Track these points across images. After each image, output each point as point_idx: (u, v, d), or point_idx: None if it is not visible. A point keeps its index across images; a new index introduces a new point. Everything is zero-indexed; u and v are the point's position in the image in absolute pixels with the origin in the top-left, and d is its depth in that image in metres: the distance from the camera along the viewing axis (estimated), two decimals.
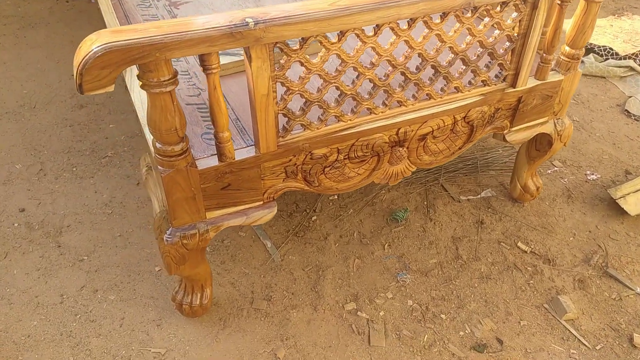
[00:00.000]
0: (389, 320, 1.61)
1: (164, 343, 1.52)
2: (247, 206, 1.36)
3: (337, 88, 1.28)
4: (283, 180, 1.38)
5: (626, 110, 2.58)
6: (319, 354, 1.51)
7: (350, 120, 1.35)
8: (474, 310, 1.65)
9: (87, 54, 0.94)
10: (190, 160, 1.20)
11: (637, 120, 2.52)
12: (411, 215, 1.94)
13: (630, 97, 2.66)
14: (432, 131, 1.50)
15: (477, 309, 1.65)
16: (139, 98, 1.46)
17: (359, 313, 1.62)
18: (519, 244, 1.87)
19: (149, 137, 1.26)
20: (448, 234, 1.89)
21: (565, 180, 2.15)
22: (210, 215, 1.33)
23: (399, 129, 1.43)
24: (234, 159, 1.25)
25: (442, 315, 1.63)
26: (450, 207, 1.99)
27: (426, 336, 1.57)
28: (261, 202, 1.37)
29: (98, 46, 0.94)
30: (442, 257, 1.81)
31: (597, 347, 1.57)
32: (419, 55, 1.33)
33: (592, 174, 2.19)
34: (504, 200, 2.03)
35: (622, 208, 1.98)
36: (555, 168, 2.20)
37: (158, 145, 1.16)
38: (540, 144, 1.81)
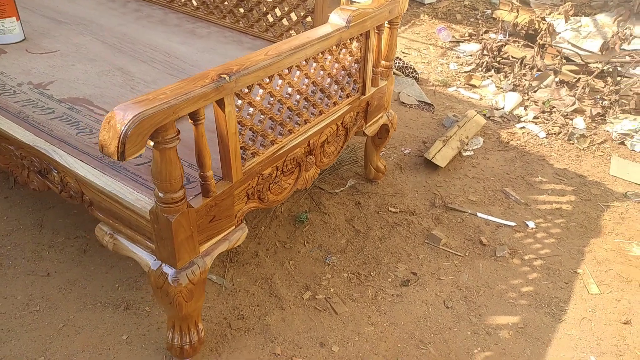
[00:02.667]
0: (340, 292, 2.00)
1: None
2: (226, 232, 1.59)
3: (271, 118, 1.64)
4: (246, 203, 1.65)
5: (402, 102, 3.49)
6: (306, 337, 1.80)
7: (281, 141, 1.71)
8: (388, 262, 2.16)
9: (125, 125, 1.11)
10: (186, 202, 1.40)
11: (412, 108, 3.45)
12: (310, 215, 2.36)
13: (399, 92, 3.60)
14: (327, 138, 1.96)
15: (389, 260, 2.17)
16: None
17: (316, 297, 1.97)
18: (390, 208, 2.47)
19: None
20: (342, 219, 2.37)
21: (392, 158, 2.86)
22: (202, 249, 1.52)
23: (309, 141, 1.85)
24: (216, 192, 1.49)
25: (372, 274, 2.10)
26: (332, 200, 2.48)
27: (369, 291, 2.01)
28: (234, 226, 1.62)
29: (133, 117, 1.12)
30: (347, 236, 2.28)
31: (466, 254, 2.25)
32: (313, 83, 1.78)
33: (406, 149, 2.96)
34: (365, 183, 2.62)
35: (435, 164, 2.78)
36: (382, 152, 2.91)
37: (162, 195, 1.33)
38: (381, 133, 2.44)
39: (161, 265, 1.47)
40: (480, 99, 3.68)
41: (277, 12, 2.55)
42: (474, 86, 3.90)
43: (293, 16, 2.50)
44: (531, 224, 2.46)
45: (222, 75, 1.34)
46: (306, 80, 1.75)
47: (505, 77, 3.98)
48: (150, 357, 1.69)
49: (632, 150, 3.18)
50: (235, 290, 1.96)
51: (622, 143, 3.24)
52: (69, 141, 1.66)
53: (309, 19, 2.48)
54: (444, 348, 1.81)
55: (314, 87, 1.81)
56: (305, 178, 1.94)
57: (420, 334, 1.86)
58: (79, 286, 1.92)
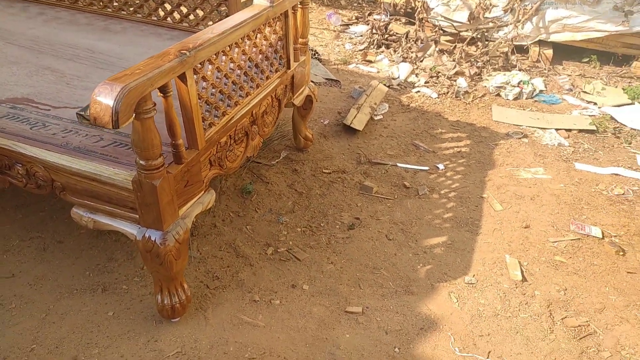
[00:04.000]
0: (298, 243, 2.24)
1: (175, 346, 1.74)
2: (198, 196, 1.76)
3: (221, 92, 1.83)
4: (209, 169, 1.83)
5: (311, 81, 3.79)
6: (278, 283, 2.03)
7: (231, 112, 1.91)
8: (333, 213, 2.44)
9: (116, 97, 1.26)
10: (165, 169, 1.56)
11: (321, 85, 3.76)
12: (255, 186, 2.57)
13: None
14: (265, 109, 2.19)
15: (334, 212, 2.45)
16: None
17: (278, 251, 2.19)
18: (324, 170, 2.75)
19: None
20: (284, 185, 2.61)
21: (315, 129, 3.15)
22: (181, 212, 1.68)
23: (252, 111, 2.07)
24: (187, 159, 1.65)
25: (321, 225, 2.37)
26: (270, 171, 2.70)
27: (323, 238, 2.28)
28: (203, 191, 1.79)
29: (121, 89, 1.27)
30: (292, 199, 2.52)
31: (395, 197, 2.61)
32: (249, 59, 1.99)
33: (324, 120, 3.26)
34: (296, 152, 2.88)
35: (354, 129, 3.12)
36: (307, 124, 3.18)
37: (145, 163, 1.48)
38: (305, 104, 2.71)
39: (146, 231, 1.61)
40: (378, 72, 4.10)
41: (190, 3, 2.71)
42: (370, 61, 4.32)
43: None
44: (441, 166, 2.89)
45: (182, 51, 1.52)
46: (244, 57, 1.96)
47: (395, 51, 4.45)
48: (140, 325, 1.82)
49: (507, 99, 3.77)
50: (204, 258, 2.12)
51: (498, 95, 3.82)
52: (26, 135, 1.72)
53: (223, 7, 2.67)
54: (394, 269, 2.14)
55: (250, 63, 2.02)
56: (253, 146, 2.15)
57: (372, 263, 2.17)
58: (49, 280, 1.96)
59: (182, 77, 1.56)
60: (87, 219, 1.66)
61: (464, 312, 1.95)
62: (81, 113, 1.81)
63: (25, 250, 2.10)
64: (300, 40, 2.50)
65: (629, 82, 4.10)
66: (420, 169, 2.85)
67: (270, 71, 2.22)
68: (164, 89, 1.49)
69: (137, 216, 1.61)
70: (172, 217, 1.63)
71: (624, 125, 3.46)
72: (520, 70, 4.13)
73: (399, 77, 4.01)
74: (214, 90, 1.79)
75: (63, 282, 1.96)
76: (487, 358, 1.78)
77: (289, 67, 2.36)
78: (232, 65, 1.88)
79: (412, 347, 1.80)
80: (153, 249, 1.61)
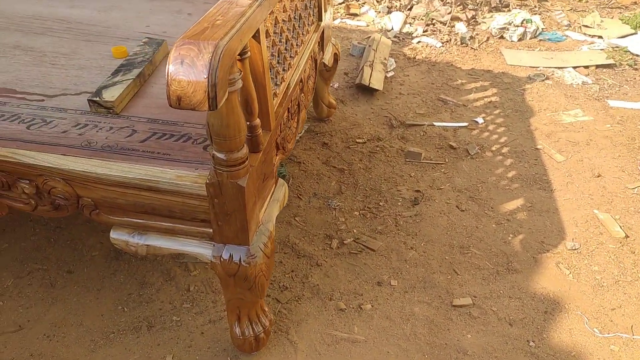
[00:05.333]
0: (363, 230, 1.88)
1: None
2: (271, 192, 1.34)
3: (278, 51, 1.39)
4: (275, 155, 1.40)
5: None
6: (360, 283, 1.67)
7: (286, 78, 1.48)
8: (387, 188, 2.09)
9: (210, 62, 0.82)
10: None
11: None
12: (287, 168, 2.15)
13: None
14: (307, 71, 1.76)
15: (388, 187, 2.10)
16: None
17: (344, 242, 1.82)
18: (357, 140, 2.37)
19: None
20: (318, 163, 2.21)
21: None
22: (260, 216, 1.26)
23: (301, 76, 1.64)
24: (264, 144, 1.22)
25: (380, 204, 2.01)
26: (298, 149, 2.29)
27: (389, 220, 1.93)
28: (274, 183, 1.37)
29: (215, 50, 0.83)
30: (334, 178, 2.14)
31: (446, 160, 2.28)
32: (296, 7, 1.55)
33: (334, 84, 2.86)
34: (318, 123, 2.46)
35: (370, 90, 2.74)
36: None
37: (227, 157, 1.04)
38: (329, 64, 2.29)
39: (224, 249, 1.19)
40: (367, 25, 3.70)
41: None
42: (355, 14, 3.89)
43: None
44: (480, 120, 2.58)
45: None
46: (291, 4, 1.52)
47: (378, 1, 4.05)
48: None
49: (511, 40, 3.50)
50: None
51: (502, 37, 3.54)
52: (25, 138, 1.22)
53: None
54: (484, 246, 1.83)
55: (295, 14, 1.58)
56: (301, 120, 1.73)
57: (457, 241, 1.85)
58: (71, 325, 1.49)
59: (256, 34, 1.12)
60: (136, 244, 1.20)
61: (582, 285, 1.68)
62: (95, 99, 1.32)
63: (27, 291, 1.59)
64: None
65: (620, 12, 3.97)
66: (459, 126, 2.53)
67: (308, 24, 1.79)
68: (244, 48, 1.05)
69: (210, 230, 1.18)
70: (255, 225, 1.21)
71: (638, 55, 3.31)
72: (514, 8, 3.87)
73: (392, 29, 3.63)
74: (273, 49, 1.35)
75: (92, 326, 1.50)
76: (633, 335, 1.53)
77: (320, 19, 1.93)
78: (284, 16, 1.44)
79: (546, 337, 1.52)
80: (238, 271, 1.19)
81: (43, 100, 1.38)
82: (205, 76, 0.82)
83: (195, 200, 1.13)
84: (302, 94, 1.72)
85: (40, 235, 1.78)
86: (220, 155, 1.05)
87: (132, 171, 1.13)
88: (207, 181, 1.08)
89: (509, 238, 1.86)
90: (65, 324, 1.49)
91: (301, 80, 1.65)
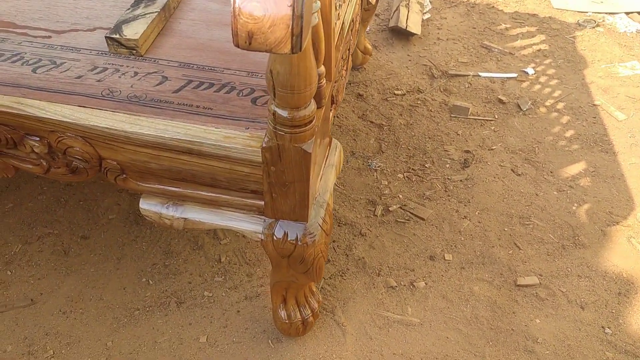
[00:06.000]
0: (410, 195, 1.68)
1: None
2: (326, 156, 1.13)
3: None
4: (330, 110, 1.18)
5: None
6: (410, 256, 1.49)
7: (341, 15, 1.23)
8: (433, 148, 1.87)
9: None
10: None
11: None
12: None
13: None
14: (356, 9, 1.50)
15: (433, 146, 1.88)
16: None
17: (389, 209, 1.63)
18: (394, 92, 2.13)
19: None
20: (354, 118, 1.98)
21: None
22: (317, 186, 1.05)
23: (353, 14, 1.39)
24: (326, 97, 1.00)
25: (426, 165, 1.80)
26: None
27: (437, 184, 1.73)
28: (329, 145, 1.16)
29: None
30: (373, 135, 1.92)
31: (496, 117, 2.06)
32: None
33: (367, 29, 2.57)
34: (351, 72, 2.22)
35: (406, 34, 2.46)
36: None
37: (292, 115, 0.82)
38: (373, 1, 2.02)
39: (277, 225, 0.99)
40: None
41: None
42: None
43: None
44: (530, 71, 2.33)
45: None
46: None
47: None
48: (252, 350, 1.24)
49: None
50: None
51: None
52: (33, 84, 0.99)
53: None
54: (546, 216, 1.64)
55: None
56: (348, 68, 1.49)
57: (515, 210, 1.65)
58: (90, 299, 1.32)
59: None
60: (171, 217, 1.00)
61: None
62: (115, 36, 1.07)
63: (38, 258, 1.41)
64: None
65: None
66: (507, 77, 2.28)
67: None
68: None
69: (262, 203, 0.97)
70: (313, 197, 1.01)
71: None
72: None
73: None
74: None
75: (113, 301, 1.33)
76: None
77: None
78: None
79: (622, 323, 1.36)
80: (294, 252, 0.99)
81: (50, 37, 1.14)
82: (290, 4, 0.59)
83: (246, 168, 0.92)
84: (351, 36, 1.47)
85: (49, 195, 1.58)
86: (283, 113, 0.82)
87: (168, 129, 0.91)
88: (264, 145, 0.87)
89: (573, 208, 1.67)
90: (83, 298, 1.32)
91: (352, 20, 1.40)
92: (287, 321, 1.19)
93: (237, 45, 0.62)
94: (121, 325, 1.27)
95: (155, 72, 1.05)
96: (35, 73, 1.02)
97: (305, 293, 1.20)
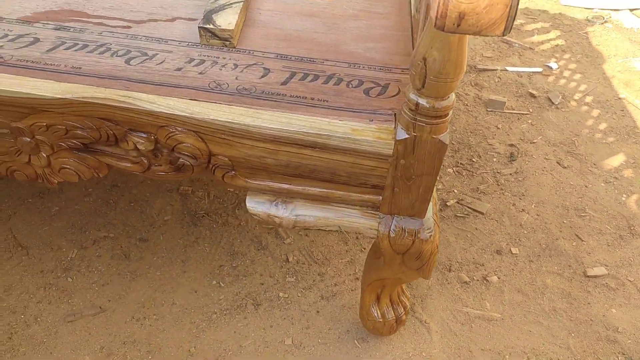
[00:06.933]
0: (463, 190, 1.67)
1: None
2: None
3: None
4: None
5: None
6: (476, 251, 1.47)
7: None
8: (477, 142, 1.87)
9: None
10: None
11: None
12: None
13: None
14: None
15: (477, 140, 1.88)
16: None
17: (447, 204, 1.61)
18: None
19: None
20: None
21: None
22: None
23: None
24: None
25: (473, 160, 1.79)
26: None
27: (489, 178, 1.72)
28: None
29: None
30: None
31: (530, 110, 2.07)
32: None
33: None
34: None
35: None
36: None
37: (431, 104, 0.79)
38: None
39: (393, 221, 0.95)
40: None
41: None
42: None
43: None
44: (554, 66, 2.36)
45: None
46: None
47: None
48: (338, 350, 1.20)
49: None
50: (347, 236, 1.49)
51: None
52: (133, 77, 0.92)
53: None
54: (599, 207, 1.66)
55: None
56: None
57: (569, 202, 1.67)
58: (162, 304, 1.25)
59: None
60: (281, 216, 0.95)
61: None
62: (208, 27, 1.01)
63: (97, 264, 1.33)
64: None
65: None
66: (533, 71, 2.31)
67: None
68: None
69: (379, 198, 0.94)
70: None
71: None
72: None
73: None
74: None
75: (187, 305, 1.26)
76: None
77: None
78: None
79: None
80: (411, 248, 0.96)
81: (129, 27, 1.07)
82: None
83: (373, 161, 0.88)
84: None
85: (96, 196, 1.49)
86: (425, 103, 0.79)
87: (292, 123, 0.86)
88: (398, 137, 0.83)
89: (623, 198, 1.70)
90: (155, 304, 1.25)
91: None
92: (380, 320, 1.15)
93: (442, 28, 0.59)
94: (201, 330, 1.21)
95: (255, 64, 1.00)
96: (130, 65, 0.95)
97: (399, 290, 1.18)
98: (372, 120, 0.89)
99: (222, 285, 1.31)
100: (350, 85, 0.97)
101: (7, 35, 1.00)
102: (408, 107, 0.81)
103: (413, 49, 1.11)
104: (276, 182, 0.94)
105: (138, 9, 1.13)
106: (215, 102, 0.88)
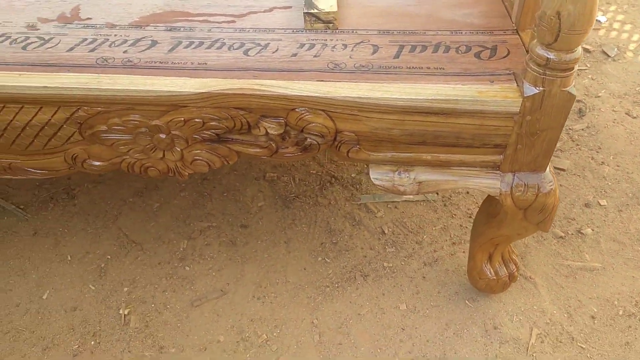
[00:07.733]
0: None
1: (526, 328, 1.22)
2: None
3: None
4: None
5: None
6: (566, 205, 1.51)
7: None
8: None
9: None
10: None
11: None
12: None
13: None
14: None
15: None
16: None
17: None
18: None
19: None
20: None
21: None
22: None
23: None
24: None
25: None
26: None
27: (561, 135, 1.75)
28: None
29: None
30: None
31: (587, 65, 2.07)
32: None
33: None
34: None
35: None
36: None
37: (558, 57, 0.81)
38: None
39: (514, 178, 0.99)
40: None
41: None
42: None
43: None
44: (602, 19, 2.35)
45: None
46: None
47: None
48: (452, 313, 1.25)
49: None
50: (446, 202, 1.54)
51: None
52: (257, 66, 0.96)
53: None
54: None
55: None
56: None
57: None
58: (277, 283, 1.31)
59: None
60: (405, 183, 1.00)
61: None
62: (313, 11, 1.05)
63: (208, 252, 1.39)
64: None
65: None
66: None
67: None
68: None
69: (499, 157, 0.98)
70: None
71: None
72: None
73: None
74: None
75: (299, 282, 1.32)
76: None
77: None
78: None
79: None
80: (535, 202, 1.00)
81: (233, 21, 1.11)
82: None
83: (498, 121, 0.92)
84: None
85: (191, 190, 1.56)
86: (554, 57, 0.82)
87: (420, 92, 0.90)
88: (526, 93, 0.87)
89: None
90: (270, 283, 1.31)
91: None
92: (494, 277, 1.20)
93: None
94: (318, 303, 1.27)
95: (362, 42, 1.04)
96: (249, 56, 1.00)
97: (509, 248, 1.22)
98: (493, 82, 0.93)
99: (328, 260, 1.37)
100: (460, 51, 1.01)
101: (126, 40, 1.05)
102: (536, 62, 0.84)
103: (506, 10, 1.14)
104: (400, 152, 0.99)
105: (236, 3, 1.17)
106: (341, 81, 0.92)
